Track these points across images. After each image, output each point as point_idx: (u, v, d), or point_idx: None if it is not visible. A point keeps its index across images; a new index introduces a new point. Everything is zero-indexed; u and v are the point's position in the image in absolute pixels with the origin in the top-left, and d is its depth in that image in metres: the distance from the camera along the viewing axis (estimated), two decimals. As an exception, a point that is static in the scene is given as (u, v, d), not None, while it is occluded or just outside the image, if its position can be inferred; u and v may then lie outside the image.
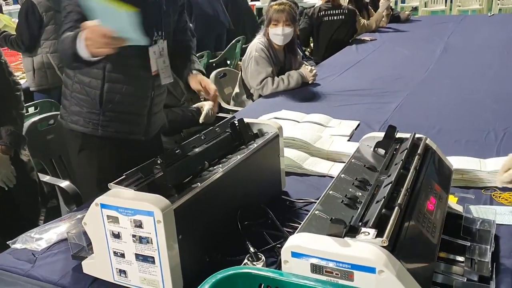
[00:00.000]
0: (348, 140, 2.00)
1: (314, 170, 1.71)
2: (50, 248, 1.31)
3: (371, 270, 0.81)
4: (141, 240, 1.04)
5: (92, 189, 1.76)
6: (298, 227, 0.95)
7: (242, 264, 1.13)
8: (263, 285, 0.84)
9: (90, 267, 1.17)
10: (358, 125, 2.19)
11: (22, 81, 3.17)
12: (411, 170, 1.12)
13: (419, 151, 1.22)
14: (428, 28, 5.11)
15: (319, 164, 1.75)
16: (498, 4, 9.19)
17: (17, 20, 3.74)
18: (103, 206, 1.06)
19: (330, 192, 1.09)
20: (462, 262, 1.11)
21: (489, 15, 5.98)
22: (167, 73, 1.81)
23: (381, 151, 1.33)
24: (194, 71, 1.83)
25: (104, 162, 1.79)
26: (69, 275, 1.18)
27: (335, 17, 4.54)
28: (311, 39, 4.74)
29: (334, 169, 1.70)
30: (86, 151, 1.81)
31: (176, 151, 1.28)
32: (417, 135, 1.32)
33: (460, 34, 4.60)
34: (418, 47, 4.11)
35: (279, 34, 2.88)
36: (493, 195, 1.48)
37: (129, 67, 1.73)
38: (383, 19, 5.28)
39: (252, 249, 1.17)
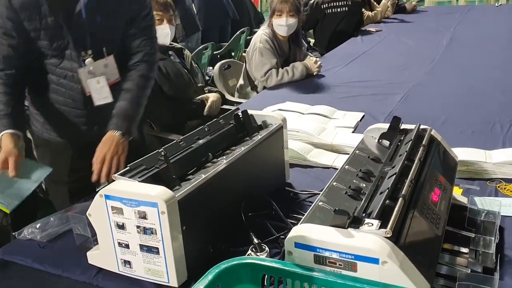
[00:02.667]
0: (353, 132, 2.00)
1: (318, 162, 1.71)
2: (55, 239, 1.31)
3: (375, 261, 0.81)
4: (145, 231, 1.05)
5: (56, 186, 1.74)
6: (302, 218, 0.95)
7: (246, 255, 1.13)
8: (266, 275, 0.84)
9: (95, 258, 1.18)
10: (363, 116, 2.19)
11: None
12: (415, 162, 1.11)
13: (423, 142, 1.21)
14: (434, 18, 5.07)
15: (323, 156, 1.75)
16: (505, -6, 9.08)
17: None
18: (107, 197, 1.07)
19: (334, 183, 1.09)
20: (466, 253, 1.11)
21: (497, 5, 5.91)
22: (102, 94, 1.63)
23: (386, 143, 1.33)
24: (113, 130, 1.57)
25: (57, 159, 1.70)
26: (74, 266, 1.19)
27: (339, 9, 4.50)
28: (312, 31, 4.72)
29: (338, 160, 1.69)
30: (41, 148, 1.76)
31: (180, 143, 1.29)
32: (422, 126, 1.32)
33: (467, 24, 4.56)
34: (424, 38, 4.07)
35: (282, 24, 2.86)
36: (498, 186, 1.47)
37: (55, 88, 1.63)
38: (388, 9, 5.24)
39: (256, 240, 1.17)
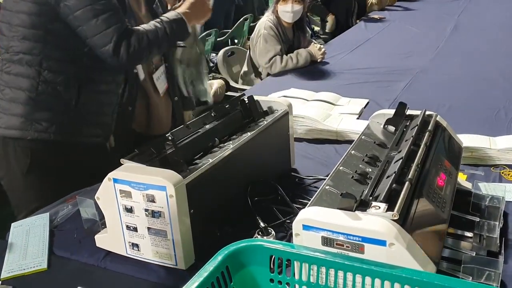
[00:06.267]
0: (357, 118, 2.00)
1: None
2: (63, 223, 1.33)
3: (382, 242, 0.81)
4: (153, 214, 1.06)
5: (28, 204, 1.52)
6: (308, 203, 0.96)
7: (253, 238, 1.14)
8: (274, 257, 0.85)
9: (103, 241, 1.19)
10: (368, 103, 2.19)
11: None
12: (421, 146, 1.12)
13: (429, 128, 1.22)
14: (438, 6, 5.03)
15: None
16: (510, -18, 8.99)
17: None
18: (115, 180, 1.08)
19: (341, 167, 1.09)
20: (471, 237, 1.12)
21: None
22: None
23: (391, 128, 1.33)
24: None
25: (62, 179, 1.52)
26: (83, 249, 1.20)
27: None
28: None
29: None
30: (36, 172, 1.52)
31: (187, 128, 1.29)
32: (427, 112, 1.32)
33: (471, 11, 4.53)
34: (428, 25, 4.05)
35: (288, 11, 2.85)
36: (502, 172, 1.48)
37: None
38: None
39: (262, 224, 1.18)
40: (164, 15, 1.58)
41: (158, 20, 1.54)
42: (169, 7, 1.92)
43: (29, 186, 1.54)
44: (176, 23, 1.54)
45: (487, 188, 1.34)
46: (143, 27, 1.50)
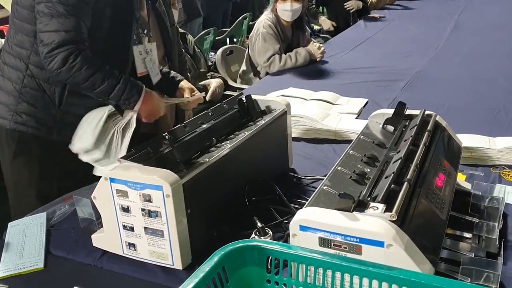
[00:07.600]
0: (356, 118, 2.00)
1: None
2: (60, 222, 1.32)
3: (380, 244, 0.81)
4: (150, 214, 1.05)
5: (29, 200, 1.53)
6: (305, 203, 0.95)
7: (250, 238, 1.14)
8: (271, 257, 0.85)
9: (99, 240, 1.18)
10: (367, 102, 2.18)
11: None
12: (420, 147, 1.11)
13: (429, 128, 1.21)
14: (438, 5, 5.03)
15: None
16: (510, -19, 8.98)
17: None
18: (112, 180, 1.07)
19: (339, 168, 1.09)
20: (470, 238, 1.11)
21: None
22: (155, 71, 1.70)
23: (390, 128, 1.32)
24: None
25: (46, 170, 1.55)
26: (79, 249, 1.20)
27: None
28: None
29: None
30: (24, 157, 1.55)
31: (184, 127, 1.28)
32: (426, 112, 1.31)
33: (472, 11, 4.52)
34: (428, 24, 4.05)
35: (287, 9, 2.84)
36: (502, 173, 1.47)
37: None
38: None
39: (259, 224, 1.18)
40: (134, 80, 1.48)
41: (124, 76, 1.45)
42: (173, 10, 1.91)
43: (15, 171, 1.57)
44: (132, 88, 1.43)
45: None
46: (104, 68, 1.40)
